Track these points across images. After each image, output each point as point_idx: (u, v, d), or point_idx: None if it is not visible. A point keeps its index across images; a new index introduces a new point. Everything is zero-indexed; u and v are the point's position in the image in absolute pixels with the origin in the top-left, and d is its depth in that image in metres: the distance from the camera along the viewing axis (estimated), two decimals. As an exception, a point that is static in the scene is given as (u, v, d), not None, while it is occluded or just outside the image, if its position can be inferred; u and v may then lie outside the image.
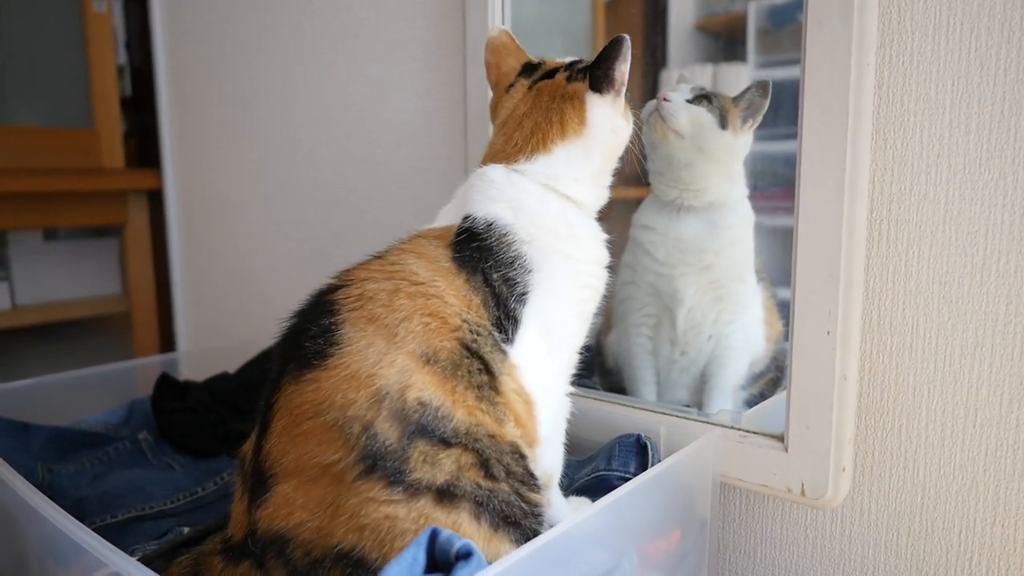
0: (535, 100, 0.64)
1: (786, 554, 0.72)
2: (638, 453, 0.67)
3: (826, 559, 0.70)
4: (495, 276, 0.58)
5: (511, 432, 0.55)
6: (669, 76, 0.87)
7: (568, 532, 0.50)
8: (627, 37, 0.61)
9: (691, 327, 0.80)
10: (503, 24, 0.87)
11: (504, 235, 0.59)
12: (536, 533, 0.53)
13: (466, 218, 0.60)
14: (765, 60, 0.81)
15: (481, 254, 0.58)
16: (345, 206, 1.18)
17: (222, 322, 1.50)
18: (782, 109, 0.74)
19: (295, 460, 0.51)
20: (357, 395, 0.50)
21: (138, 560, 0.50)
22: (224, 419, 0.95)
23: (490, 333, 0.56)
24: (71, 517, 0.54)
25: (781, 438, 0.65)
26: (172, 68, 1.52)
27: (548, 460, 0.60)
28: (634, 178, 0.77)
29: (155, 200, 1.62)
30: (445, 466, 0.51)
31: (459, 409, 0.52)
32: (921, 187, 0.62)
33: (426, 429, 0.51)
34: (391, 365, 0.51)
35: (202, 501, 0.81)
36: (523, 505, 0.54)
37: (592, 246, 0.63)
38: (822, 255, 0.61)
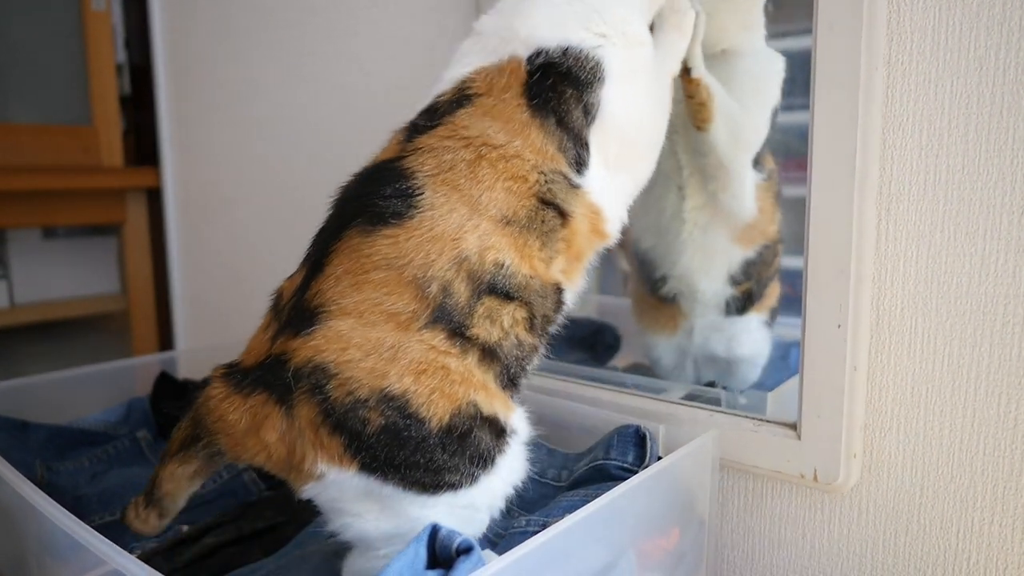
0: None
1: (785, 553, 0.72)
2: (636, 444, 0.67)
3: (824, 558, 0.70)
4: (572, 105, 0.57)
5: (555, 274, 0.57)
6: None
7: (566, 530, 0.50)
8: None
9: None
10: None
11: (580, 51, 0.58)
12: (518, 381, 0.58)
13: (539, 53, 0.58)
14: (776, 31, 0.78)
15: (556, 87, 0.57)
16: (344, 205, 1.18)
17: (221, 320, 1.50)
18: (795, 80, 0.74)
19: (357, 303, 0.52)
20: (440, 257, 0.52)
21: (137, 558, 0.49)
22: (223, 417, 0.95)
23: (564, 177, 0.57)
24: (70, 514, 0.53)
25: (794, 426, 0.67)
26: (171, 66, 1.52)
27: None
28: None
29: (154, 198, 1.62)
30: (503, 323, 0.54)
31: (524, 264, 0.55)
32: (920, 187, 0.62)
33: (495, 287, 0.53)
34: (475, 229, 0.53)
35: (201, 499, 0.81)
36: (526, 367, 0.58)
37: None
38: (833, 253, 0.63)
